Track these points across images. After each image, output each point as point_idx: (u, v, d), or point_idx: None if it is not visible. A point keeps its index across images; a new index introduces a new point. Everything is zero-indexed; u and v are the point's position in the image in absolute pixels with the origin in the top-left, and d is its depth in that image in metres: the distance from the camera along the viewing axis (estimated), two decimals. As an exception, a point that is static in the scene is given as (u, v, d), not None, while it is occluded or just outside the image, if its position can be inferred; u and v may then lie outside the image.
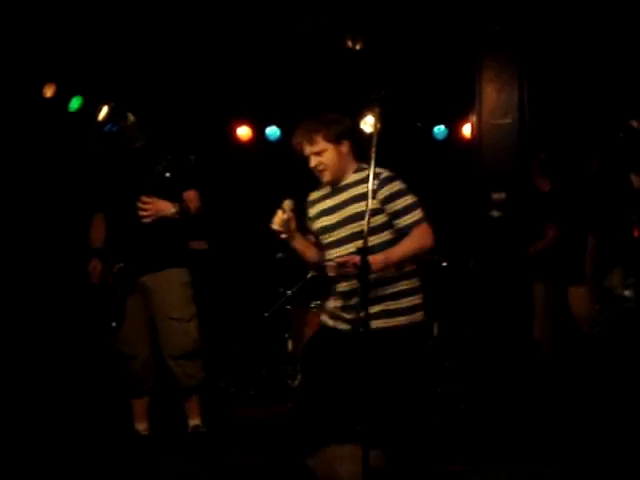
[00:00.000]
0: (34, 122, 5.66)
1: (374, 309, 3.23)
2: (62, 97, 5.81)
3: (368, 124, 6.07)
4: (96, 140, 6.00)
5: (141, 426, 4.19)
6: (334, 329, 3.40)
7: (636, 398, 3.65)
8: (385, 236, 3.31)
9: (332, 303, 3.43)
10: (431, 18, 5.34)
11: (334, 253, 3.35)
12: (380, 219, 3.28)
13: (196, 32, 5.60)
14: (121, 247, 4.07)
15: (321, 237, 3.47)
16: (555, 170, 5.19)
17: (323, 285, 5.76)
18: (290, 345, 5.72)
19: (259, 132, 6.92)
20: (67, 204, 5.56)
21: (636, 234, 4.43)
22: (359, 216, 3.22)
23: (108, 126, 6.03)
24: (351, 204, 3.32)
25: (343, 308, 3.35)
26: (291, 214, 3.30)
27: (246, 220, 6.64)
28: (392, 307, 3.30)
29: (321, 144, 3.31)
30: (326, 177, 3.37)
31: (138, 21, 5.27)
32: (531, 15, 4.84)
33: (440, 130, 6.57)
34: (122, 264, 4.05)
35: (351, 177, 3.38)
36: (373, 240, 3.23)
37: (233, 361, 6.03)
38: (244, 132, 6.90)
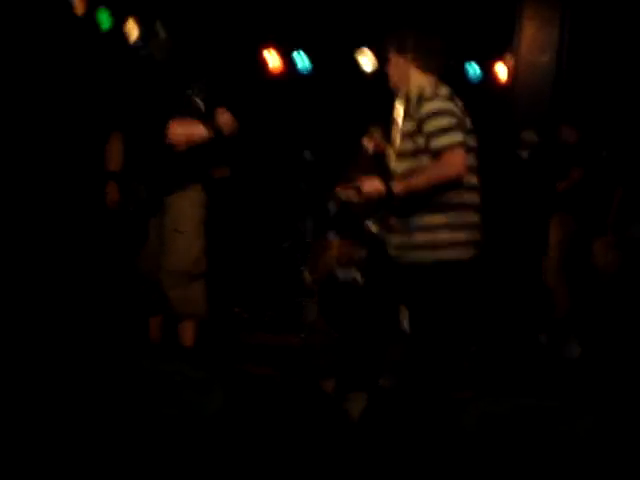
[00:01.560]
0: (65, 39, 5.60)
1: (399, 239, 3.21)
2: (93, 14, 5.74)
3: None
4: (126, 58, 6.01)
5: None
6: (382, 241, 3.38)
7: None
8: (423, 160, 3.16)
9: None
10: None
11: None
12: (419, 141, 3.15)
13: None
14: (143, 169, 3.94)
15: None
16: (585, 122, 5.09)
17: (343, 217, 5.77)
18: (307, 277, 5.71)
19: (290, 63, 6.79)
20: (85, 123, 5.57)
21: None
22: (405, 136, 3.20)
23: (139, 43, 6.00)
24: (402, 122, 3.25)
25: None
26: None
27: (271, 151, 6.59)
28: (415, 241, 3.19)
29: (390, 53, 3.30)
30: (396, 89, 3.33)
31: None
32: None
33: (474, 70, 6.40)
34: (143, 187, 3.93)
35: (411, 92, 3.24)
36: (411, 164, 3.17)
37: (249, 289, 6.05)
38: (275, 62, 6.77)
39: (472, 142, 3.22)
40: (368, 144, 3.39)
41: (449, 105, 3.16)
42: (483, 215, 3.27)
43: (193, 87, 3.79)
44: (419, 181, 3.15)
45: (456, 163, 3.08)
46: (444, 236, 3.15)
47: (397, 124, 3.30)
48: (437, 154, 3.10)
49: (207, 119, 3.84)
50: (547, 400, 2.95)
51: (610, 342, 4.47)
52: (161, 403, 2.92)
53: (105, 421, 2.84)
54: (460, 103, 3.23)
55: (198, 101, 3.77)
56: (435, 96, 3.16)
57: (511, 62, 4.96)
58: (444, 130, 3.09)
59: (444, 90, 3.21)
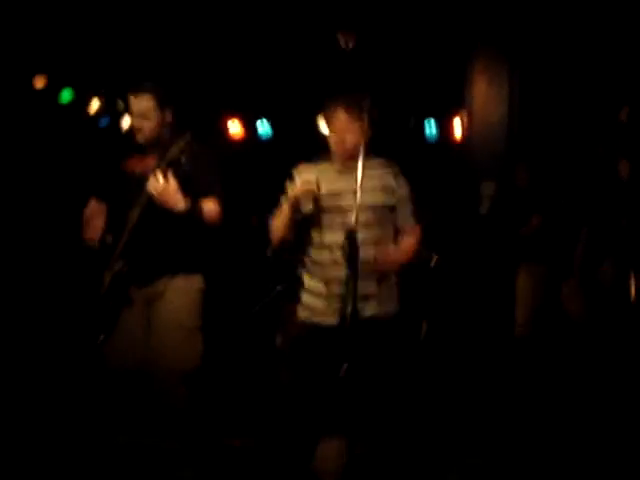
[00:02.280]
0: (25, 114, 5.65)
1: (366, 298, 3.17)
2: (53, 89, 5.81)
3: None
4: (90, 135, 6.07)
5: None
6: (317, 326, 3.22)
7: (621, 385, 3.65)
8: (388, 229, 3.24)
9: (320, 291, 3.24)
10: (423, 16, 5.37)
11: (335, 236, 3.14)
12: (389, 212, 3.23)
13: (187, 26, 5.62)
14: (125, 246, 3.41)
15: (328, 214, 3.25)
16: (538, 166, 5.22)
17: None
18: (279, 340, 5.68)
19: (251, 129, 6.90)
20: (60, 198, 5.56)
21: (624, 222, 4.46)
22: (376, 206, 3.18)
23: (103, 121, 6.07)
24: (371, 192, 3.17)
25: (331, 297, 3.18)
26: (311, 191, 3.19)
27: (239, 217, 6.62)
28: (382, 295, 3.22)
29: (359, 129, 3.13)
30: (348, 159, 3.18)
31: (131, 14, 5.29)
32: (522, 10, 4.87)
33: (430, 129, 6.55)
34: (123, 264, 3.41)
35: (368, 165, 3.09)
36: (383, 232, 3.21)
37: (220, 352, 5.99)
38: (236, 129, 6.88)
39: None
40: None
41: None
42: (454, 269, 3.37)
43: (177, 144, 3.37)
44: (409, 252, 3.26)
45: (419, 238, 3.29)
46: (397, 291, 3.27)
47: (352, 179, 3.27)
48: (410, 229, 3.26)
49: (189, 187, 3.40)
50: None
51: (585, 386, 4.49)
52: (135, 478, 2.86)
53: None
54: None
55: (182, 161, 3.33)
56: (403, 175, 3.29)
57: (465, 119, 5.10)
58: (415, 210, 3.27)
59: None
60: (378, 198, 3.20)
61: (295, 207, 3.15)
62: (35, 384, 4.56)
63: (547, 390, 4.65)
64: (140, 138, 3.50)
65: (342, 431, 3.03)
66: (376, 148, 3.18)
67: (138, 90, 3.48)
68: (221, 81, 6.28)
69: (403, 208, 3.24)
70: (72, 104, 5.89)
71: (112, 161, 3.88)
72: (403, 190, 3.23)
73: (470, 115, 4.95)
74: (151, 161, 3.45)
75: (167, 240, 3.41)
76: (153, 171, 3.35)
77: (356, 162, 2.95)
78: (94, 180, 3.80)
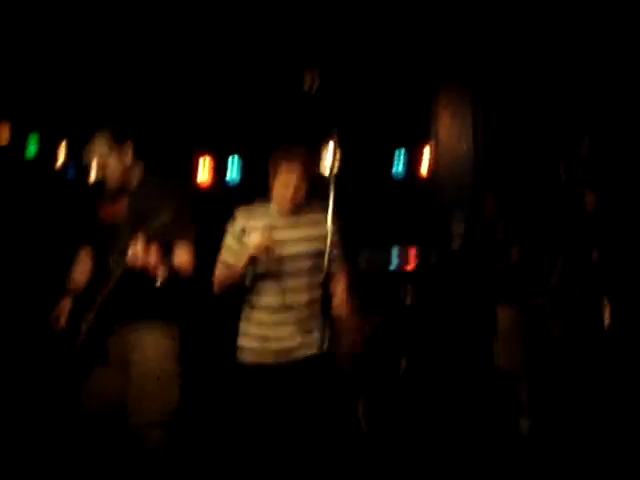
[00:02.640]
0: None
1: (300, 336, 3.17)
2: (18, 142, 5.76)
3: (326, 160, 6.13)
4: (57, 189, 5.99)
5: None
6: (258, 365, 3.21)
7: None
8: (319, 276, 3.21)
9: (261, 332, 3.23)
10: (388, 51, 5.43)
11: (289, 283, 3.20)
12: (321, 259, 3.18)
13: (151, 69, 5.62)
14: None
15: (274, 266, 3.23)
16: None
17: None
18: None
19: (221, 170, 6.89)
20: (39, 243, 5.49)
21: (595, 257, 4.48)
22: (310, 255, 3.19)
23: (70, 172, 6.02)
24: (313, 240, 3.22)
25: (269, 338, 3.19)
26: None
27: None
28: (312, 334, 3.17)
29: (302, 179, 3.19)
30: (291, 208, 3.22)
31: (94, 57, 5.27)
32: (484, 45, 4.95)
33: (397, 166, 6.59)
34: (98, 315, 3.34)
35: (307, 211, 3.26)
36: (315, 280, 3.20)
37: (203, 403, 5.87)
38: (204, 176, 6.86)
39: None
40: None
41: None
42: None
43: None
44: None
45: None
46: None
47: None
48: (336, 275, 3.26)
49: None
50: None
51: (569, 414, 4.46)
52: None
53: None
54: None
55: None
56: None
57: (432, 153, 5.13)
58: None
59: None
60: (315, 246, 3.19)
61: (255, 259, 3.12)
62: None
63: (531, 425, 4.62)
64: (108, 185, 3.40)
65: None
66: (341, 185, 3.16)
67: (92, 135, 3.37)
68: (190, 121, 6.27)
69: (336, 253, 3.22)
70: (38, 158, 5.84)
71: (83, 212, 3.91)
72: (336, 236, 3.20)
73: (436, 148, 4.98)
74: (121, 208, 3.38)
75: (143, 291, 3.29)
76: (123, 219, 3.32)
77: (297, 210, 3.16)
78: (72, 231, 3.73)
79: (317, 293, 3.18)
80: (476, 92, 4.89)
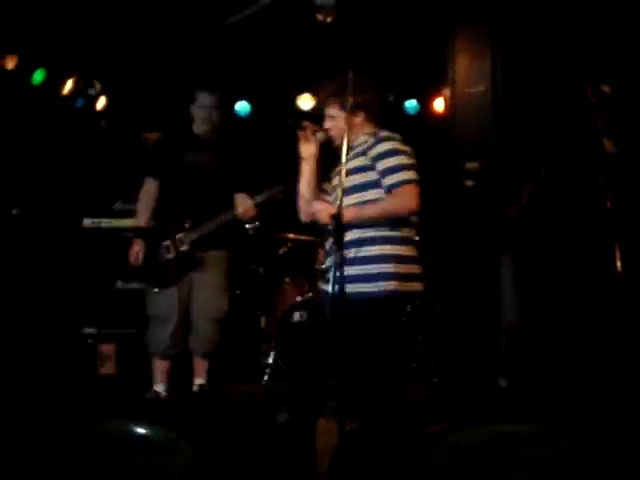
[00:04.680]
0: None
1: (346, 272, 3.12)
2: (25, 69, 5.65)
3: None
4: (63, 116, 5.94)
5: (160, 387, 4.38)
6: (324, 291, 3.36)
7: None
8: (375, 194, 3.24)
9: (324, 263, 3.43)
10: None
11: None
12: (371, 176, 3.24)
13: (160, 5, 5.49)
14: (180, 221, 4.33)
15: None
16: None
17: (294, 260, 5.73)
18: (263, 322, 5.64)
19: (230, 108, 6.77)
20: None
21: (608, 204, 4.44)
22: (354, 171, 3.23)
23: (78, 101, 5.95)
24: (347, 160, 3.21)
25: (327, 268, 3.33)
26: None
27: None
28: (361, 272, 3.20)
29: (334, 110, 3.33)
30: (335, 142, 3.35)
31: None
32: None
33: (412, 105, 6.51)
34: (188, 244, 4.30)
35: (359, 142, 3.34)
36: (363, 196, 3.23)
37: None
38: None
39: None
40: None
41: (405, 147, 3.30)
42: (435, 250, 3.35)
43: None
44: (372, 211, 3.22)
45: (411, 199, 3.20)
46: (390, 268, 3.19)
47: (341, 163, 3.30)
48: (391, 189, 3.20)
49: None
50: (521, 425, 2.93)
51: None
52: (127, 468, 2.81)
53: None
54: (410, 149, 3.35)
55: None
56: (392, 138, 3.29)
57: (448, 95, 5.04)
58: (400, 167, 3.20)
59: (398, 135, 3.35)
60: (351, 163, 3.24)
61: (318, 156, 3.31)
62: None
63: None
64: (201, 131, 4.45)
65: (334, 410, 3.04)
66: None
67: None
68: (197, 59, 6.15)
69: (381, 167, 3.23)
70: (45, 85, 5.73)
71: (89, 142, 4.12)
72: (381, 148, 3.23)
73: (453, 89, 4.90)
74: (210, 155, 4.41)
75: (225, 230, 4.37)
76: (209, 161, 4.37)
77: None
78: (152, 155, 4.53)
79: None
80: (494, 32, 4.78)
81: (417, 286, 3.30)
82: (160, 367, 4.40)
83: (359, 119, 3.35)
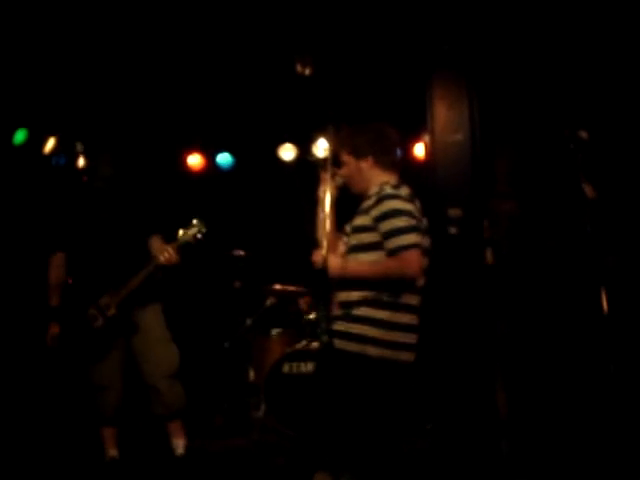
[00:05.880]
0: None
1: (335, 326, 3.16)
2: (6, 131, 5.68)
3: (321, 148, 6.10)
4: (44, 174, 5.96)
5: (113, 452, 4.37)
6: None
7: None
8: (373, 256, 3.14)
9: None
10: (380, 40, 5.37)
11: None
12: (371, 237, 3.14)
13: (142, 62, 5.55)
14: (100, 287, 4.23)
15: None
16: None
17: (282, 311, 5.71)
18: (252, 374, 5.59)
19: (211, 161, 6.80)
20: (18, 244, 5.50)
21: (592, 247, 4.46)
22: (358, 229, 3.19)
23: (55, 159, 5.98)
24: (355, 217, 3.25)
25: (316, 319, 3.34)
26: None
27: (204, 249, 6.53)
28: (345, 329, 3.14)
29: (344, 156, 3.30)
30: (351, 189, 3.34)
31: (87, 51, 5.20)
32: (479, 33, 4.90)
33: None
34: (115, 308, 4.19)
35: (370, 193, 3.24)
36: (362, 257, 3.15)
37: (194, 392, 5.88)
38: (196, 161, 6.76)
39: (426, 244, 3.24)
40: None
41: (408, 206, 3.16)
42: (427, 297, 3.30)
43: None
44: (357, 267, 3.15)
45: (412, 264, 3.07)
46: (374, 332, 3.10)
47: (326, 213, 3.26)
48: (392, 254, 3.09)
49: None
50: None
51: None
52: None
53: None
54: (418, 204, 3.26)
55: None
56: (395, 196, 3.15)
57: (427, 142, 5.09)
58: (399, 231, 3.08)
59: (405, 190, 3.24)
60: (357, 221, 3.21)
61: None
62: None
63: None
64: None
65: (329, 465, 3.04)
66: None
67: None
68: (179, 115, 6.20)
69: (383, 229, 3.13)
70: (26, 145, 5.76)
71: (70, 200, 4.21)
72: (383, 208, 3.12)
73: (432, 138, 4.94)
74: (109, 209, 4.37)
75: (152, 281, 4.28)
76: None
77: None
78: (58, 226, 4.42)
79: None
80: (472, 82, 4.83)
81: (405, 355, 3.17)
82: (108, 434, 4.38)
83: (366, 164, 3.27)
